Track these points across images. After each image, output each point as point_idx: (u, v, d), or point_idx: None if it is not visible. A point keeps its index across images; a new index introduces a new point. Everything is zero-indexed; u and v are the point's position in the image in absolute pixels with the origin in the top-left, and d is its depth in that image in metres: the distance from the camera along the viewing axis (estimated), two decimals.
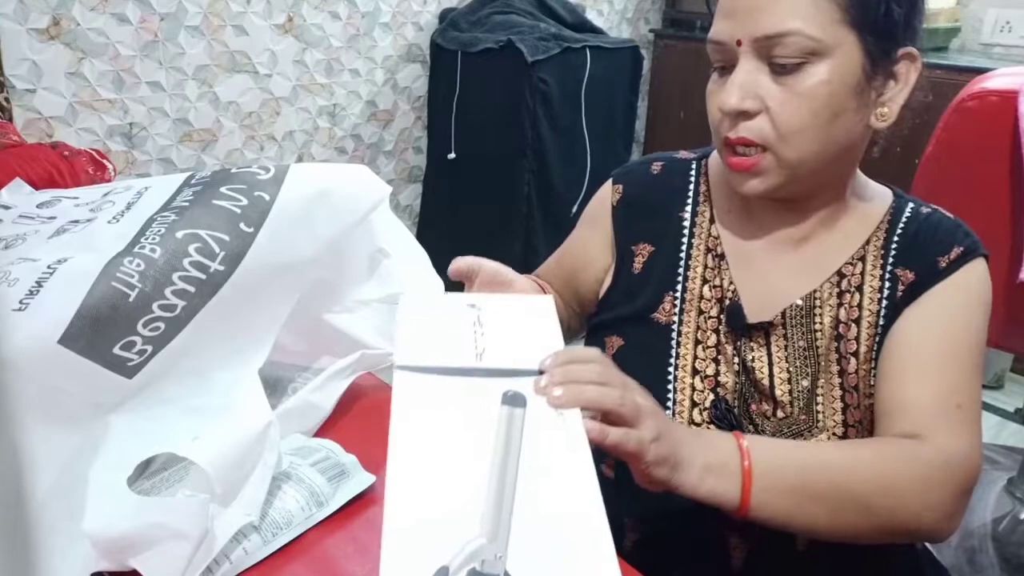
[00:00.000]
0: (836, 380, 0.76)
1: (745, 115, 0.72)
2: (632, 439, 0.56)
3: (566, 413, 0.53)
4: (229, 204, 0.66)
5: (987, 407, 2.22)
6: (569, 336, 0.96)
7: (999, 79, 1.24)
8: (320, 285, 0.74)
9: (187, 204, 0.66)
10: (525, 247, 2.36)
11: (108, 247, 0.62)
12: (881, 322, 0.75)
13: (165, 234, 0.62)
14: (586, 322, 0.94)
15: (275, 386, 0.77)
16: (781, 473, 0.63)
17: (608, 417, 0.56)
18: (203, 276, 0.62)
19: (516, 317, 0.62)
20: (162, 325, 0.60)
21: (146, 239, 0.62)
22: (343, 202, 0.73)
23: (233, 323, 0.65)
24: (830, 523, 0.64)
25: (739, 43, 0.71)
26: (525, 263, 2.39)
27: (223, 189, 0.67)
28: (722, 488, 0.61)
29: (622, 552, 0.62)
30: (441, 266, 0.87)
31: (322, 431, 0.74)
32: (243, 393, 0.64)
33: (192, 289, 0.61)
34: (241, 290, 0.64)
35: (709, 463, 0.61)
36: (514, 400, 0.53)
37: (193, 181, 0.71)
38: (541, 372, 0.55)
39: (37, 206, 0.76)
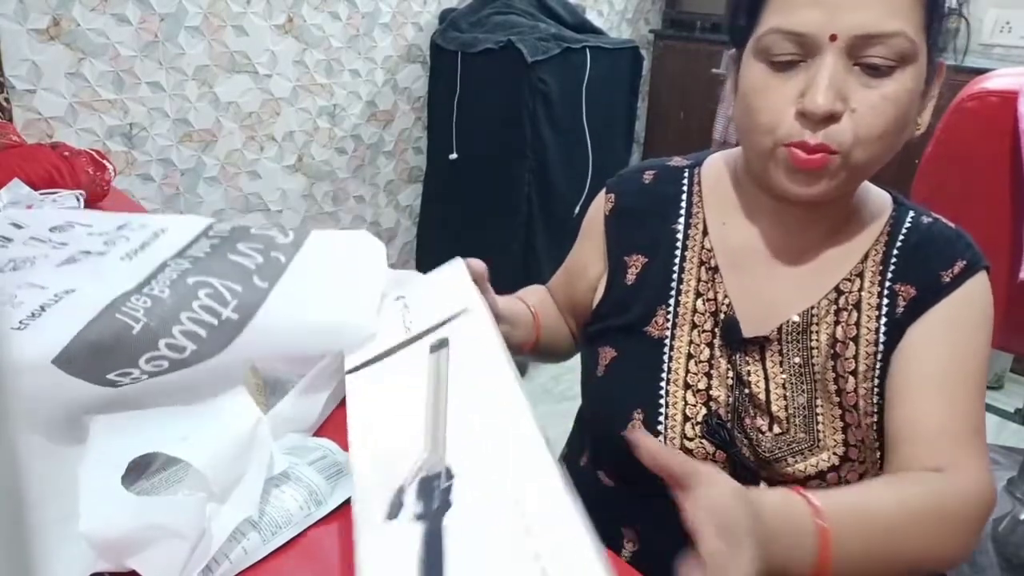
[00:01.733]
0: (835, 399, 0.74)
1: (831, 119, 0.66)
2: None
3: (482, 341, 0.58)
4: (244, 260, 0.66)
5: (987, 407, 2.21)
6: (571, 351, 0.97)
7: (999, 79, 1.23)
8: (327, 343, 0.74)
9: (202, 256, 0.66)
10: (525, 247, 2.36)
11: (117, 284, 0.62)
12: (881, 339, 0.74)
13: (177, 280, 0.62)
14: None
15: (273, 387, 0.77)
16: (854, 532, 0.59)
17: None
18: (215, 321, 0.61)
19: (432, 286, 0.70)
20: (166, 363, 0.60)
21: (156, 281, 0.62)
22: (359, 274, 0.73)
23: (236, 369, 0.65)
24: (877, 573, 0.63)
25: (833, 38, 0.65)
26: (525, 263, 2.40)
27: (240, 246, 0.68)
28: (792, 558, 0.56)
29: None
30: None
31: (319, 430, 0.73)
32: (228, 395, 0.64)
33: (203, 333, 0.61)
34: (255, 343, 0.64)
35: (785, 548, 0.56)
36: (439, 346, 0.60)
37: (211, 232, 0.71)
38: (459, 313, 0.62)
39: (50, 229, 0.76)
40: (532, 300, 0.92)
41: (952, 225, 0.79)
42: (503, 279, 0.93)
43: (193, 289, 0.62)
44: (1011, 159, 1.21)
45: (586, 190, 2.44)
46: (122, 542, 0.53)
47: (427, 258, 2.56)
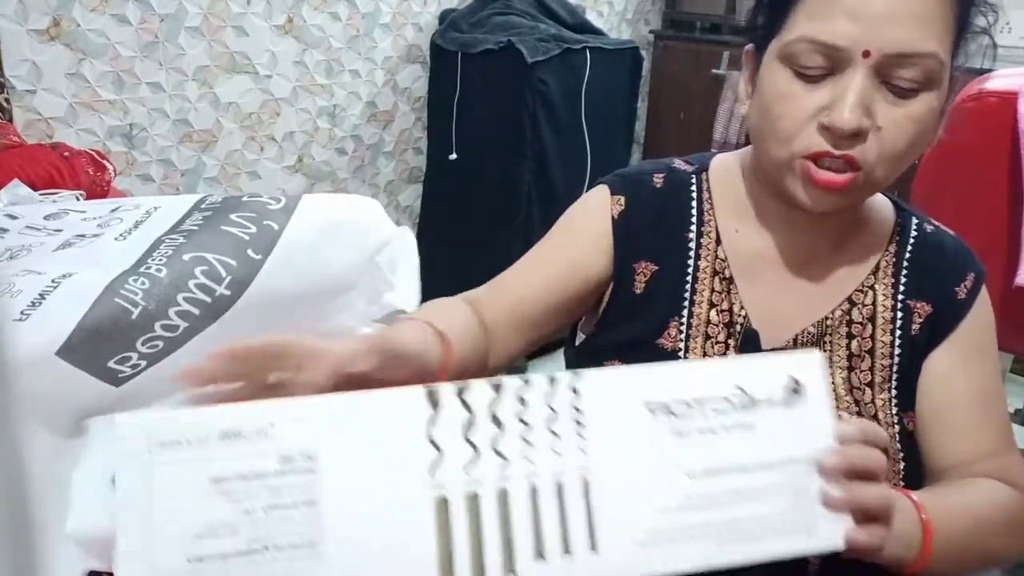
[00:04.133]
0: (853, 408, 0.75)
1: (856, 136, 0.65)
2: (885, 539, 0.57)
3: None
4: (238, 231, 0.66)
5: None
6: (504, 360, 0.80)
7: (998, 80, 1.23)
8: (319, 307, 0.74)
9: (196, 228, 0.66)
10: (525, 247, 2.34)
11: (114, 264, 0.62)
12: (896, 351, 0.76)
13: (172, 256, 0.62)
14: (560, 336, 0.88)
15: None
16: (948, 529, 0.64)
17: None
18: (208, 299, 0.62)
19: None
20: (160, 343, 0.60)
21: (153, 260, 0.62)
22: (353, 236, 0.73)
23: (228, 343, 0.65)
24: (971, 571, 0.70)
25: (867, 54, 0.63)
26: None
27: (233, 216, 0.68)
28: (906, 551, 0.61)
29: None
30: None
31: None
32: None
33: (196, 311, 0.61)
34: (245, 316, 0.64)
35: (900, 530, 0.60)
36: None
37: (203, 206, 0.71)
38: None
39: (44, 217, 0.76)
40: (441, 325, 0.69)
41: (951, 232, 0.80)
42: None
43: (189, 266, 0.62)
44: (1010, 159, 1.21)
45: (584, 190, 2.44)
46: (109, 542, 0.53)
47: (427, 259, 2.56)
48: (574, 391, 0.51)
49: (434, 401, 0.49)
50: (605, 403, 0.51)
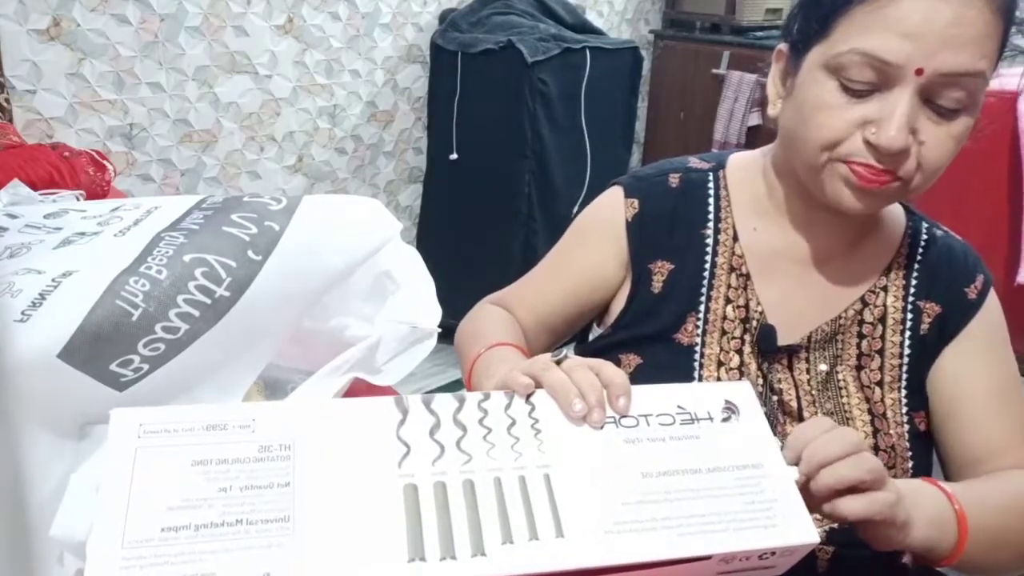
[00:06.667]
0: (864, 406, 0.76)
1: (902, 152, 0.66)
2: (887, 505, 0.56)
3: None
4: (238, 231, 0.66)
5: None
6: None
7: (998, 79, 1.23)
8: (319, 308, 0.74)
9: (196, 227, 0.66)
10: (525, 247, 2.36)
11: (113, 262, 0.62)
12: (906, 352, 0.77)
13: (173, 256, 0.62)
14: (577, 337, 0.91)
15: (273, 387, 0.77)
16: (981, 520, 0.64)
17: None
18: (208, 301, 0.62)
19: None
20: (162, 346, 0.60)
21: (153, 259, 0.62)
22: (353, 237, 0.73)
23: (232, 349, 0.65)
24: (1005, 564, 0.68)
25: (919, 72, 0.63)
26: (524, 263, 2.39)
27: (234, 216, 0.67)
28: (940, 539, 0.62)
29: None
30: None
31: None
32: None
33: (196, 313, 0.61)
34: (245, 318, 0.64)
35: (931, 517, 0.61)
36: None
37: (204, 205, 0.71)
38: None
39: (44, 216, 0.76)
40: (523, 345, 0.82)
41: (959, 238, 0.82)
42: (503, 279, 0.92)
43: (190, 268, 0.62)
44: (1010, 159, 1.21)
45: (584, 190, 2.44)
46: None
47: (427, 259, 2.56)
48: (530, 404, 0.56)
49: (403, 408, 0.54)
50: (558, 414, 0.56)
